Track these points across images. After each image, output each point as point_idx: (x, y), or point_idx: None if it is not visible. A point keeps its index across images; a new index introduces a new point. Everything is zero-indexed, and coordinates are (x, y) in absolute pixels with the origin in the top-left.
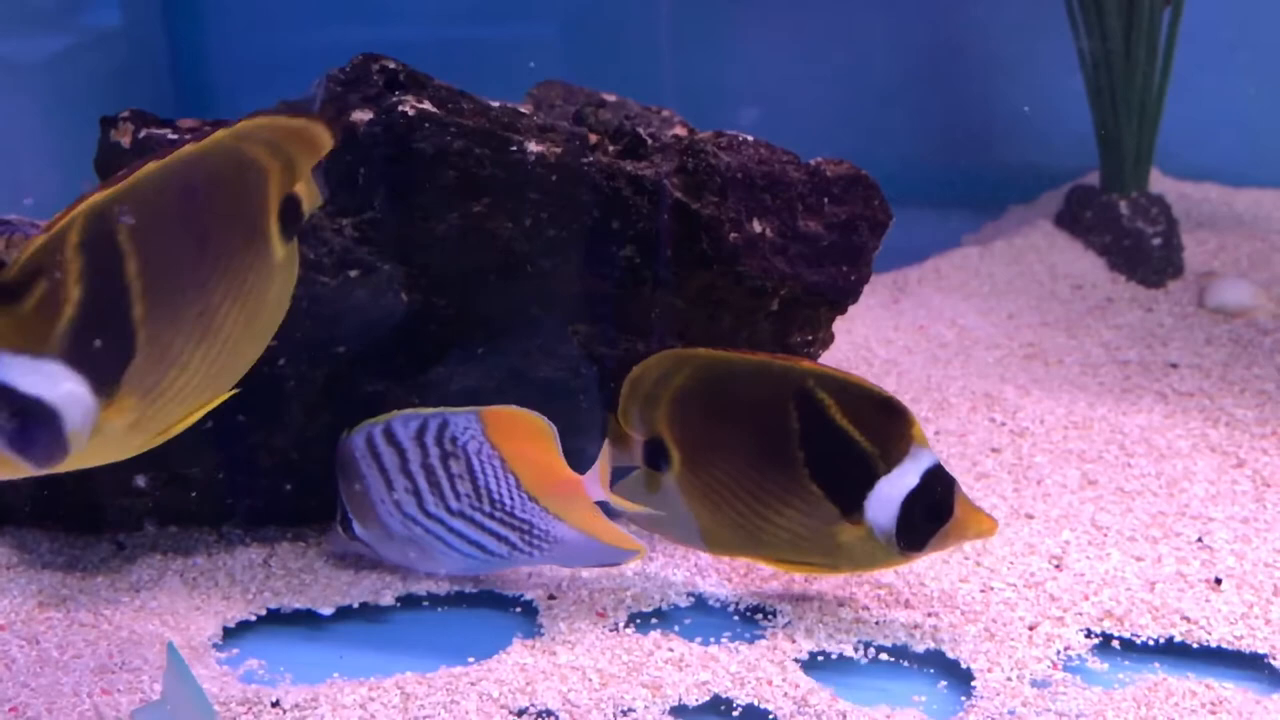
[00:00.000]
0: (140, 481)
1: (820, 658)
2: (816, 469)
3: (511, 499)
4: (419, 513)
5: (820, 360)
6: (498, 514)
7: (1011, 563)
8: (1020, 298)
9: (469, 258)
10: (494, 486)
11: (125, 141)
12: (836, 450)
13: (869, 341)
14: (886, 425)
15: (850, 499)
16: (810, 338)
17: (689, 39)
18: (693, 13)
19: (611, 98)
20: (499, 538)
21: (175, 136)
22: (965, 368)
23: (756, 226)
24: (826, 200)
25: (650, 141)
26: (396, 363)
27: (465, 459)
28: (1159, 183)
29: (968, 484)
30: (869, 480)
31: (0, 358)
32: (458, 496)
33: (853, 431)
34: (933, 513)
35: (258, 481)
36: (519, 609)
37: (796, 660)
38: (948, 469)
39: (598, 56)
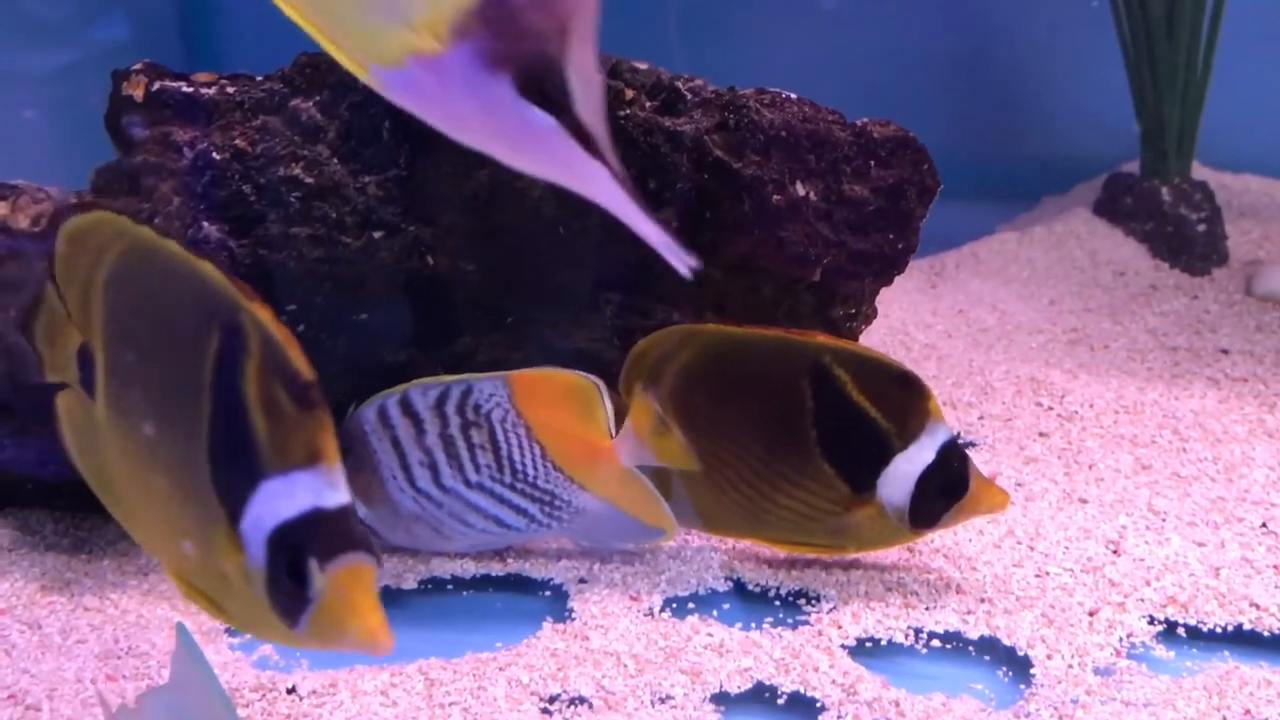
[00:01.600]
0: None
1: (869, 644)
2: (829, 448)
3: (535, 469)
4: (433, 487)
5: (860, 340)
6: (519, 485)
7: (1067, 548)
8: (1061, 284)
9: (498, 219)
10: (517, 456)
11: (138, 95)
12: (852, 428)
13: (907, 326)
14: (903, 401)
15: (863, 477)
16: (853, 311)
17: (711, 21)
18: None
19: (643, 65)
20: (518, 510)
21: (190, 89)
22: (1008, 352)
23: (800, 189)
24: (873, 163)
25: (689, 96)
26: (421, 331)
27: (488, 428)
28: (1198, 174)
29: (1016, 468)
30: (884, 458)
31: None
32: (477, 468)
33: (869, 409)
34: (948, 489)
35: None
36: (548, 593)
37: (844, 646)
38: (960, 444)
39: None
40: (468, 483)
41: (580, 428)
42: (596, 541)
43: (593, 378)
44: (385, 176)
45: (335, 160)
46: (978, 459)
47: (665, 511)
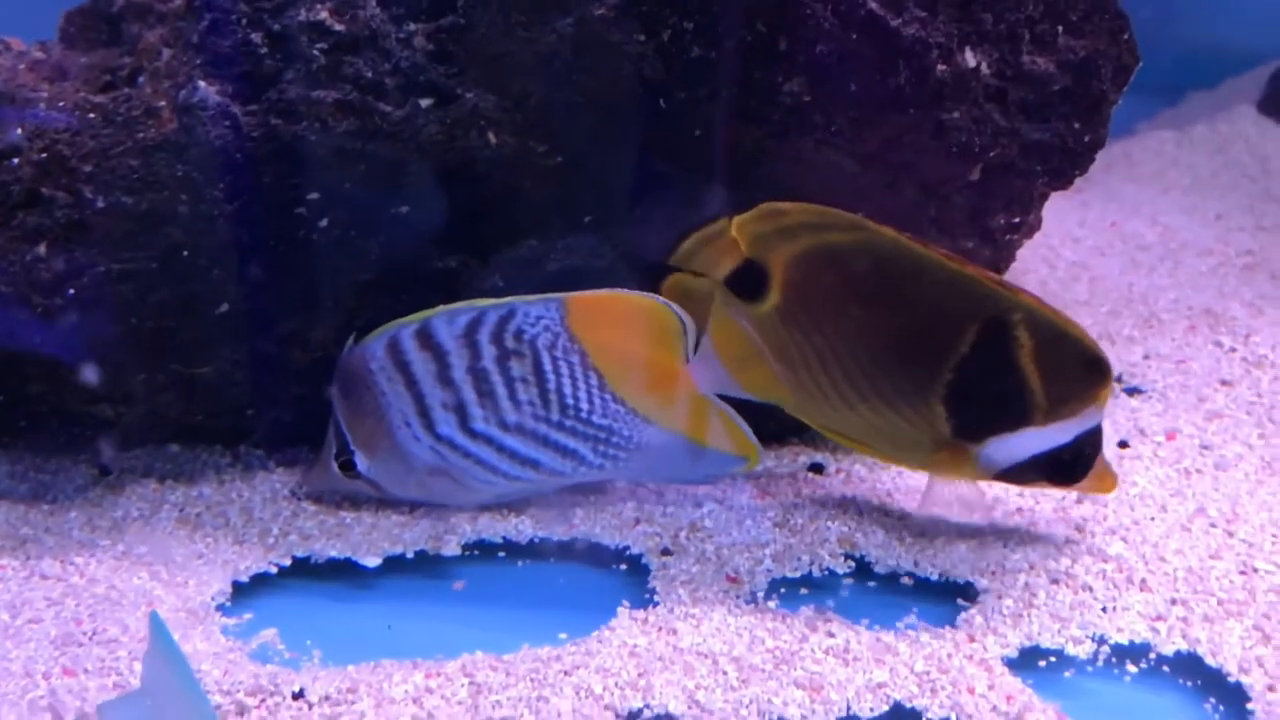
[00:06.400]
0: (131, 384)
1: (1038, 658)
2: (955, 394)
3: (589, 402)
4: (460, 433)
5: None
6: (568, 422)
7: (1276, 535)
8: (1229, 195)
9: (584, 84)
10: (568, 389)
11: None
12: (997, 389)
13: (1050, 239)
14: (1077, 386)
15: (974, 432)
16: (1015, 220)
17: None
18: None
19: None
20: (563, 451)
21: None
22: (1174, 276)
23: (970, 58)
24: (1060, 29)
25: None
26: (478, 231)
27: (532, 357)
28: None
29: (1197, 426)
30: (1013, 426)
31: None
32: (516, 406)
33: (1031, 381)
34: (1061, 472)
35: (287, 387)
36: (624, 565)
37: (1004, 659)
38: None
39: None
40: (504, 425)
41: (649, 352)
42: (657, 479)
43: (672, 304)
44: (438, 25)
45: (373, 2)
46: (1147, 410)
47: (750, 438)
